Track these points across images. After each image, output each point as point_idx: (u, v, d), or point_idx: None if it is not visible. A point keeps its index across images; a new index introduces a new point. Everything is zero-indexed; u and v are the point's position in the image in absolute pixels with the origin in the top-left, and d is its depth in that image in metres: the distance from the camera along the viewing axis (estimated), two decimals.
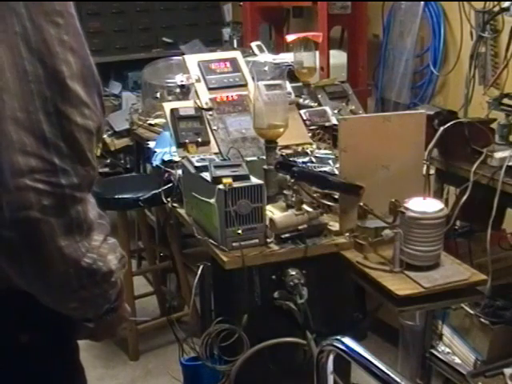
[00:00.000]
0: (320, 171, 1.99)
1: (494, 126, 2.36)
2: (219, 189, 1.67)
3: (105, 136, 3.96)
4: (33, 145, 0.83)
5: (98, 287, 0.94)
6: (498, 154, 2.20)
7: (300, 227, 1.74)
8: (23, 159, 0.82)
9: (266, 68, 2.94)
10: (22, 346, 1.00)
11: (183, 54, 2.82)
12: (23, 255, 0.86)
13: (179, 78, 2.68)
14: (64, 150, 0.85)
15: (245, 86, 2.38)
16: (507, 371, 2.26)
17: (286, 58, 3.05)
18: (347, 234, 1.77)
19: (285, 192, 1.86)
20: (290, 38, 2.78)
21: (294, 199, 1.79)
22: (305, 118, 2.46)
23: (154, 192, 2.55)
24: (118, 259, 0.97)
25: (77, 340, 1.12)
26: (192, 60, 2.43)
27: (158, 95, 3.08)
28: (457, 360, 2.42)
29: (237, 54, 2.50)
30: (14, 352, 1.00)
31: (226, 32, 4.82)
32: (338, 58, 3.53)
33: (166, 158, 2.28)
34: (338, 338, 1.19)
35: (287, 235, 1.74)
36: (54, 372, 1.06)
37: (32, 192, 0.83)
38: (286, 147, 2.23)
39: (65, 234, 0.86)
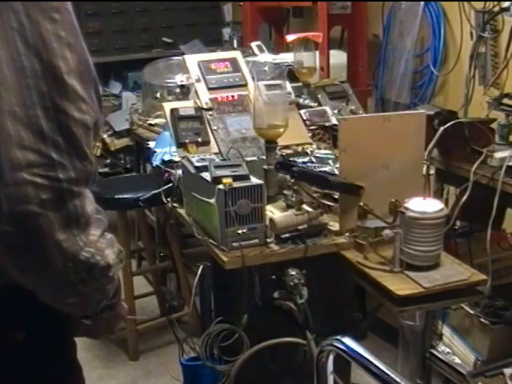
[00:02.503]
0: (320, 171, 1.99)
1: (494, 126, 2.36)
2: (219, 189, 1.67)
3: (105, 136, 3.96)
4: (30, 139, 0.84)
5: (96, 281, 0.95)
6: (498, 154, 2.20)
7: (300, 227, 1.74)
8: (21, 153, 0.83)
9: (266, 68, 2.94)
10: (18, 343, 1.00)
11: (183, 54, 2.81)
12: (22, 249, 0.86)
13: (179, 78, 2.68)
14: (61, 145, 0.86)
15: (245, 86, 2.38)
16: (507, 371, 2.26)
17: (286, 58, 3.05)
18: (347, 234, 1.77)
19: (285, 192, 1.86)
20: (289, 38, 2.78)
21: (294, 199, 1.78)
22: (305, 118, 2.45)
23: (153, 192, 2.55)
24: (115, 254, 0.97)
25: (74, 337, 1.12)
26: (192, 60, 2.42)
27: (158, 95, 3.08)
28: (457, 360, 2.42)
29: (237, 54, 2.50)
30: (11, 350, 1.00)
31: (226, 32, 4.81)
32: (338, 57, 3.53)
33: (166, 158, 2.28)
34: (338, 338, 1.19)
35: (287, 235, 1.74)
36: (51, 370, 1.06)
37: (30, 186, 0.83)
38: (286, 147, 2.23)
39: (63, 227, 0.87)
